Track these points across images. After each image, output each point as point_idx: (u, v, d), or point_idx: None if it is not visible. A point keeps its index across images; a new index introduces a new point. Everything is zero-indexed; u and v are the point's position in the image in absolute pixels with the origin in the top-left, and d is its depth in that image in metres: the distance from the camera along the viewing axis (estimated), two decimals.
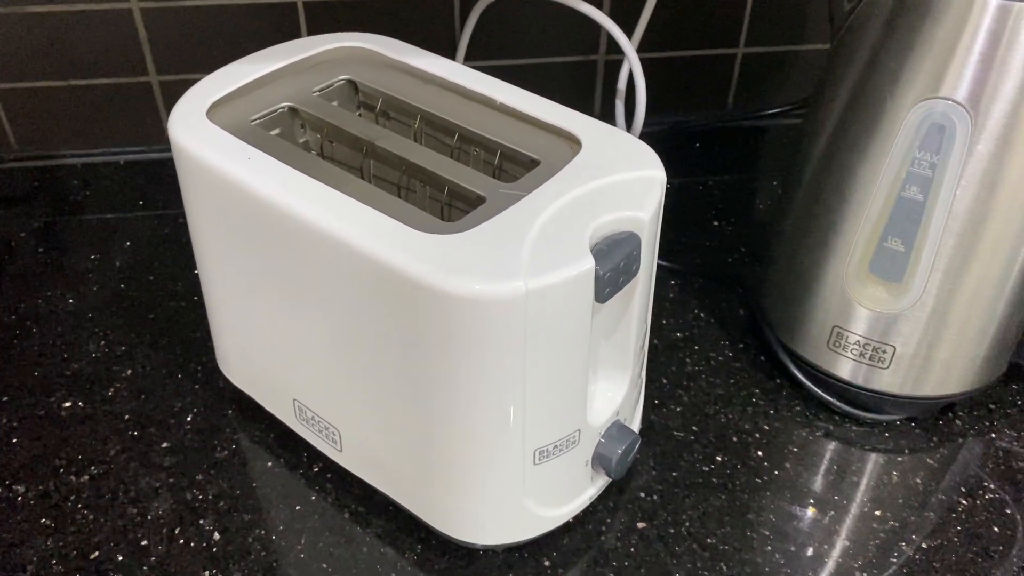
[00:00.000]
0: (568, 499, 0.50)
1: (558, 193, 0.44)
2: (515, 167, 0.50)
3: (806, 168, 0.57)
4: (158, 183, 0.76)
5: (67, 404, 0.59)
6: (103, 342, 0.64)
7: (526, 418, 0.43)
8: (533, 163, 0.48)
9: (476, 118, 0.51)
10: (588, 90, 0.76)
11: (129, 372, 0.62)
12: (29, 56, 0.68)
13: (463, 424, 0.43)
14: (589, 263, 0.40)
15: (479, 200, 0.45)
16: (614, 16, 0.72)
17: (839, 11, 0.53)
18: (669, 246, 0.74)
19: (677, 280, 0.71)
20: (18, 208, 0.74)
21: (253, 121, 0.51)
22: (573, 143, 0.48)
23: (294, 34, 0.69)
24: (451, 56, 0.72)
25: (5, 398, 0.60)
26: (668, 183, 0.82)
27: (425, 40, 0.70)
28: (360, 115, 0.57)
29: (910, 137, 0.49)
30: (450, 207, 0.49)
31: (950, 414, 0.60)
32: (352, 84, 0.55)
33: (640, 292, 0.46)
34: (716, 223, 0.77)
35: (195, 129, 0.48)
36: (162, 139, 0.74)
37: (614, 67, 0.71)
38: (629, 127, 0.72)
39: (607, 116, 0.76)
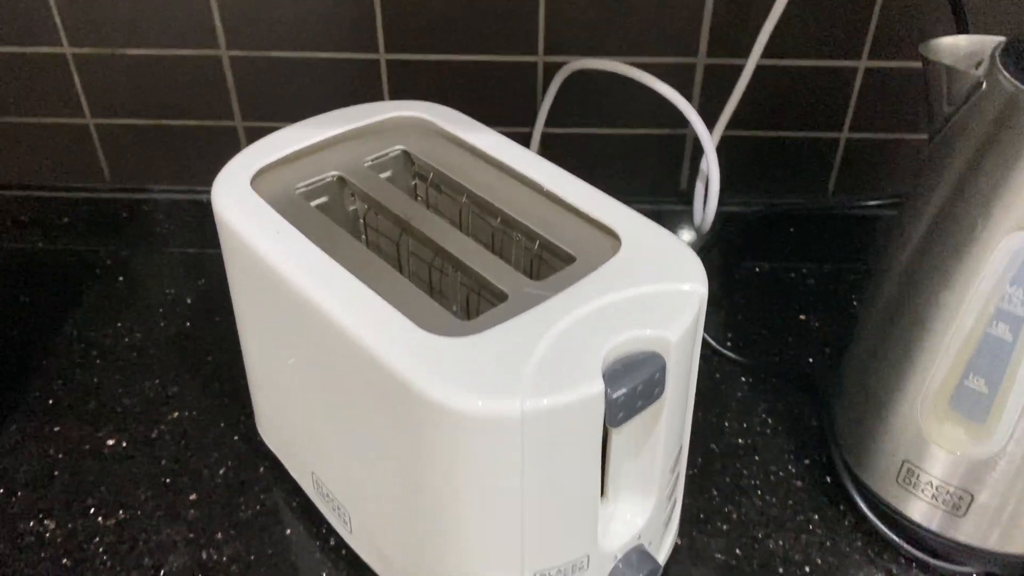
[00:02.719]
0: None
1: (583, 299, 0.41)
2: (552, 258, 0.47)
3: (886, 281, 0.51)
4: None
5: (111, 441, 0.60)
6: (157, 380, 0.65)
7: (524, 539, 0.40)
8: (568, 259, 0.45)
9: (521, 202, 0.49)
10: (675, 163, 0.72)
11: (175, 415, 0.62)
12: (125, 96, 0.70)
13: (456, 536, 0.41)
14: (597, 386, 0.37)
15: (501, 296, 0.42)
16: (707, 93, 0.68)
17: (937, 115, 0.48)
18: (746, 337, 0.69)
19: (748, 377, 0.66)
20: (106, 236, 0.77)
21: (298, 190, 0.50)
22: (614, 240, 0.45)
23: (375, 90, 0.69)
24: (532, 120, 0.70)
25: (57, 428, 0.61)
26: (756, 267, 0.78)
27: (507, 104, 0.69)
28: (415, 184, 0.55)
29: (1001, 269, 0.43)
30: (478, 295, 0.46)
31: None
32: (407, 154, 0.54)
33: (670, 413, 0.42)
34: (803, 316, 0.71)
35: (234, 196, 0.48)
36: None
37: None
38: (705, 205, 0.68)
39: (693, 192, 0.72)
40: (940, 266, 0.46)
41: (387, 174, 0.54)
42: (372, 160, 0.53)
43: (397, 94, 0.69)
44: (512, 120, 0.71)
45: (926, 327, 0.47)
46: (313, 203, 0.51)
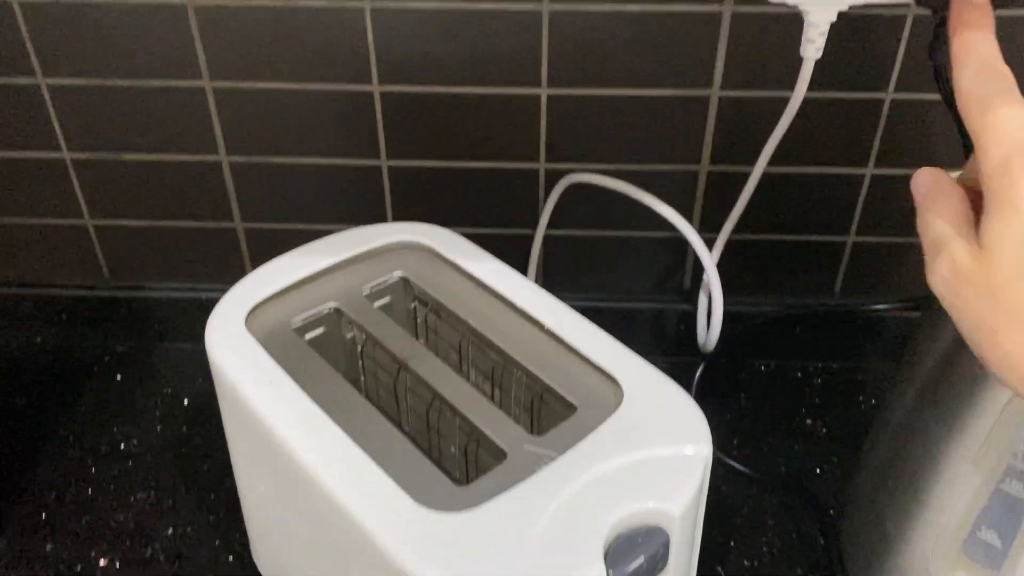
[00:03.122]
0: None
1: (584, 465, 0.40)
2: (553, 402, 0.46)
3: (896, 409, 0.50)
4: None
5: (103, 562, 0.59)
6: (153, 491, 0.64)
7: None
8: (569, 407, 0.44)
9: (522, 340, 0.48)
10: (678, 262, 0.71)
11: (170, 531, 0.61)
12: (124, 199, 0.70)
13: None
14: (598, 571, 0.36)
15: (500, 454, 0.41)
16: (710, 199, 0.67)
17: None
18: (752, 443, 0.68)
19: (754, 491, 0.64)
20: (105, 334, 0.77)
21: (295, 324, 0.49)
22: (616, 389, 0.44)
23: (377, 193, 0.69)
24: (534, 223, 0.70)
25: (49, 546, 0.60)
26: (762, 365, 0.76)
27: (509, 208, 0.68)
28: (414, 307, 0.55)
29: (1013, 426, 0.42)
30: (477, 444, 0.45)
31: None
32: (406, 281, 0.53)
33: None
34: (810, 421, 0.70)
35: (228, 338, 0.47)
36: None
37: (708, 246, 0.67)
38: (709, 319, 0.67)
39: (696, 295, 0.71)
40: (949, 415, 0.45)
41: (386, 300, 0.54)
42: (371, 288, 0.52)
43: (399, 198, 0.69)
44: (514, 223, 0.70)
45: (935, 473, 0.46)
46: (311, 335, 0.50)
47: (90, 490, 0.64)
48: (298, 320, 0.50)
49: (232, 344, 0.47)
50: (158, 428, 0.69)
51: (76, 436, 0.68)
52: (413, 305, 0.55)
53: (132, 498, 0.64)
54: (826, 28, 0.52)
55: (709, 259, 0.63)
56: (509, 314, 0.50)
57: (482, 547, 0.36)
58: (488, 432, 0.42)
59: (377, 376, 0.52)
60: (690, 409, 0.43)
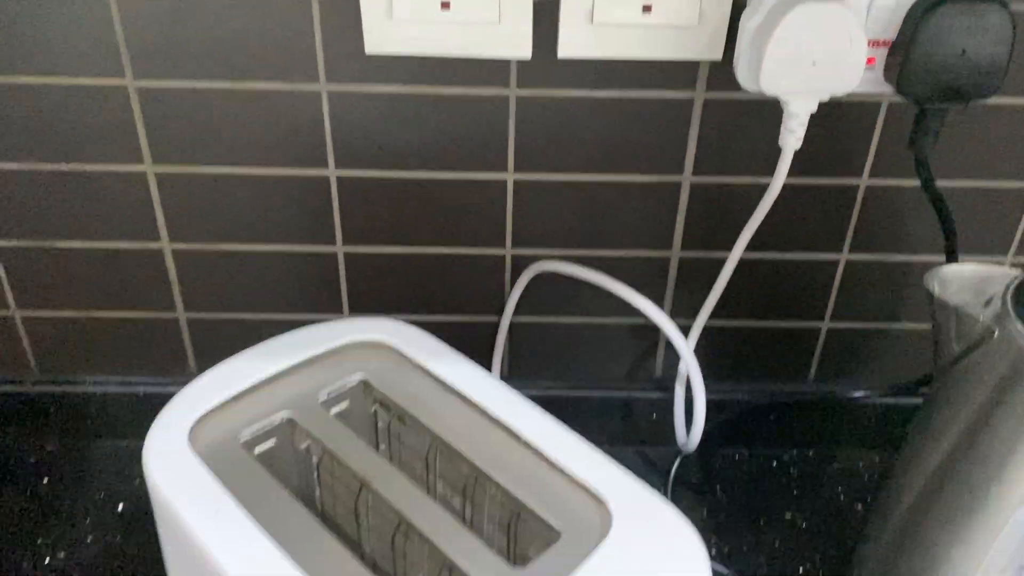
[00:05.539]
0: None
1: None
2: (534, 523, 0.42)
3: (894, 510, 0.47)
4: None
5: None
6: None
7: None
8: (552, 532, 0.40)
9: (495, 453, 0.44)
10: (650, 351, 0.68)
11: None
12: (55, 287, 0.65)
13: None
14: None
15: None
16: (682, 285, 0.65)
17: (944, 352, 0.44)
18: (732, 540, 0.64)
19: None
20: (33, 432, 0.70)
21: (244, 439, 0.44)
22: (603, 511, 0.40)
23: (333, 282, 0.65)
24: (500, 309, 0.66)
25: None
26: (738, 455, 0.73)
27: (474, 295, 0.65)
28: (375, 411, 0.50)
29: (1018, 540, 0.39)
30: (450, 572, 0.41)
31: None
32: (367, 384, 0.49)
33: None
34: (788, 515, 0.67)
35: (170, 458, 0.42)
36: (184, 372, 0.70)
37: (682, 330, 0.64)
38: (688, 416, 0.64)
39: (668, 383, 0.68)
40: (947, 521, 0.42)
41: (344, 405, 0.49)
42: (328, 394, 0.48)
43: (355, 285, 0.65)
44: (478, 310, 0.66)
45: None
46: (262, 448, 0.46)
47: None
48: (247, 433, 0.45)
49: (173, 466, 0.42)
50: (88, 540, 0.63)
51: None
52: (375, 409, 0.50)
53: None
54: (806, 119, 0.50)
55: (688, 351, 0.60)
56: (481, 422, 0.46)
57: None
58: (463, 565, 0.38)
59: (335, 492, 0.48)
60: (686, 534, 0.39)
